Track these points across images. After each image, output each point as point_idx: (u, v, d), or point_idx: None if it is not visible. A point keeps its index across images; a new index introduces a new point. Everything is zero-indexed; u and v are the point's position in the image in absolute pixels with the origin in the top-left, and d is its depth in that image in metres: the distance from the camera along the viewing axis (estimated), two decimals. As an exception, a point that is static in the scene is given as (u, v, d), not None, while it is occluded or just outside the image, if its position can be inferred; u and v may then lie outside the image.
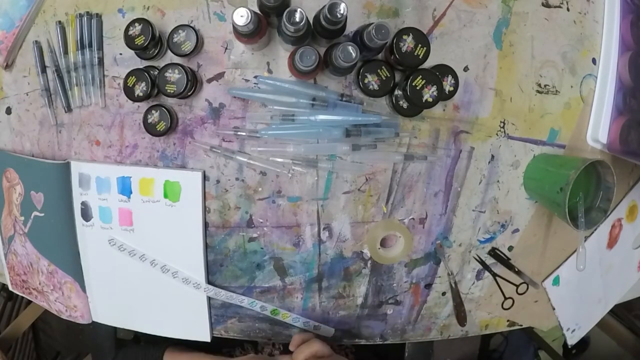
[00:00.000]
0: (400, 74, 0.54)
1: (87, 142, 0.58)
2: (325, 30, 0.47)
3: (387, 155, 0.57)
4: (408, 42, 0.49)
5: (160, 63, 0.56)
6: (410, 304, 0.65)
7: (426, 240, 0.61)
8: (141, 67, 0.54)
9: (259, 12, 0.47)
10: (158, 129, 0.54)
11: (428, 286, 0.64)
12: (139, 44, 0.51)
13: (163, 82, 0.51)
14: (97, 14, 0.55)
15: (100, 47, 0.56)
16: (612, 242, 0.69)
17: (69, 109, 0.58)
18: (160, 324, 0.64)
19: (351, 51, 0.45)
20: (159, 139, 0.57)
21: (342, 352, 0.78)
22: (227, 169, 0.57)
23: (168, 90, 0.52)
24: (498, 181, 0.61)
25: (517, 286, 0.65)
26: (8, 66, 0.58)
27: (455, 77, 0.54)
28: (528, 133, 0.60)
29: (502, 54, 0.58)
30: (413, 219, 0.60)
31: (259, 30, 0.47)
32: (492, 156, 0.60)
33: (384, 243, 0.60)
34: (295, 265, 0.61)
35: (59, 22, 0.56)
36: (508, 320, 0.70)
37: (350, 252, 0.61)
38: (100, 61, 0.56)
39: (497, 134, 0.59)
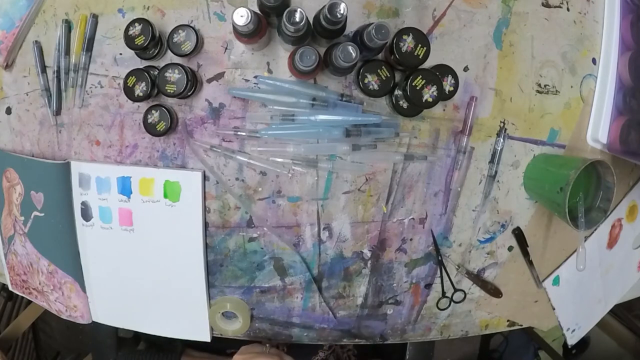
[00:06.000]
0: (400, 74, 0.54)
1: (87, 142, 0.58)
2: (325, 30, 0.47)
3: (387, 155, 0.57)
4: (408, 42, 0.49)
5: (160, 63, 0.55)
6: (410, 304, 0.65)
7: (426, 240, 0.61)
8: (141, 67, 0.54)
9: (259, 12, 0.47)
10: (158, 129, 0.54)
11: (428, 286, 0.64)
12: (139, 44, 0.51)
13: (163, 82, 0.51)
14: (93, 14, 0.55)
15: (91, 49, 0.56)
16: (612, 242, 0.69)
17: (58, 112, 0.58)
18: (160, 324, 0.64)
19: (351, 51, 0.45)
20: (159, 139, 0.57)
21: (344, 354, 0.77)
22: (227, 169, 0.57)
23: (168, 90, 0.51)
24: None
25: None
26: (8, 66, 0.58)
27: (455, 77, 0.54)
28: (528, 133, 0.60)
29: (502, 54, 0.58)
30: (413, 219, 0.60)
31: (259, 30, 0.47)
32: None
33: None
34: (295, 265, 0.61)
35: (66, 20, 0.56)
36: (508, 320, 0.70)
37: (350, 252, 0.61)
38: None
39: (497, 134, 0.59)
